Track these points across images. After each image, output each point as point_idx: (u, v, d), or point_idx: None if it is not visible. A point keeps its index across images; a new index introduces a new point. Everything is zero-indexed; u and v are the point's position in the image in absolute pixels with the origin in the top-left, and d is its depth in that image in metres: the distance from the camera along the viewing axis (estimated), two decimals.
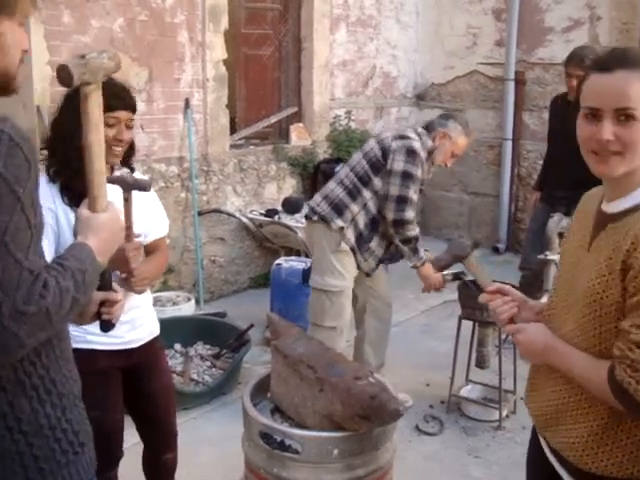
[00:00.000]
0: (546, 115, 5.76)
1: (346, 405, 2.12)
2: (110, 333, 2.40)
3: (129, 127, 2.51)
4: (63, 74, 1.62)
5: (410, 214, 3.91)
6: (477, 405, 4.24)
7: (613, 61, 1.64)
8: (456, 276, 3.88)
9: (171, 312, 5.11)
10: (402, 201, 3.88)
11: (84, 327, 2.45)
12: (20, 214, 1.37)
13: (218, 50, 5.82)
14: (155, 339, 2.78)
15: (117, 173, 2.56)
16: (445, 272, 4.03)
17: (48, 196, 2.42)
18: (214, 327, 4.84)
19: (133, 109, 2.53)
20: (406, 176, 3.87)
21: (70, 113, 2.34)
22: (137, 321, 2.66)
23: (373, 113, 7.62)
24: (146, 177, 2.38)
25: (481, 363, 4.21)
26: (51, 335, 1.49)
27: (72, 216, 2.44)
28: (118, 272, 2.44)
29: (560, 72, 6.03)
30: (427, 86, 8.14)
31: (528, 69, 7.39)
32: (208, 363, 4.59)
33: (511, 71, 7.37)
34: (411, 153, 3.89)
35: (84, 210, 1.67)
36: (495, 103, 7.59)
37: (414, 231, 3.96)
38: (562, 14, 7.10)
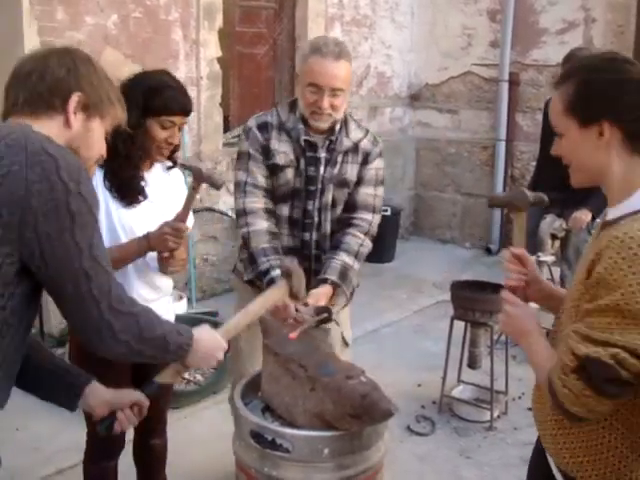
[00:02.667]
0: (539, 116, 5.78)
1: (337, 404, 2.11)
2: None
3: (180, 130, 2.58)
4: None
5: (240, 203, 2.91)
6: (469, 406, 4.24)
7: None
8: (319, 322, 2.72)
9: None
10: (234, 187, 2.97)
11: None
12: (98, 231, 1.62)
13: (212, 48, 5.81)
14: None
15: (158, 166, 2.66)
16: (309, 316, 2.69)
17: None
18: None
19: (189, 113, 2.59)
20: (237, 157, 3.02)
21: (130, 105, 2.32)
22: (156, 311, 2.67)
23: (367, 113, 7.61)
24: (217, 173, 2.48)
25: (473, 364, 4.21)
26: (137, 350, 1.71)
27: (111, 203, 2.51)
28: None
29: (554, 74, 6.04)
30: (421, 86, 8.15)
31: (522, 70, 7.40)
32: (199, 368, 4.57)
33: (505, 72, 7.38)
34: (243, 133, 3.02)
35: (212, 333, 1.96)
36: (489, 104, 7.60)
37: (244, 228, 2.88)
38: (557, 16, 7.11)
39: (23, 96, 1.68)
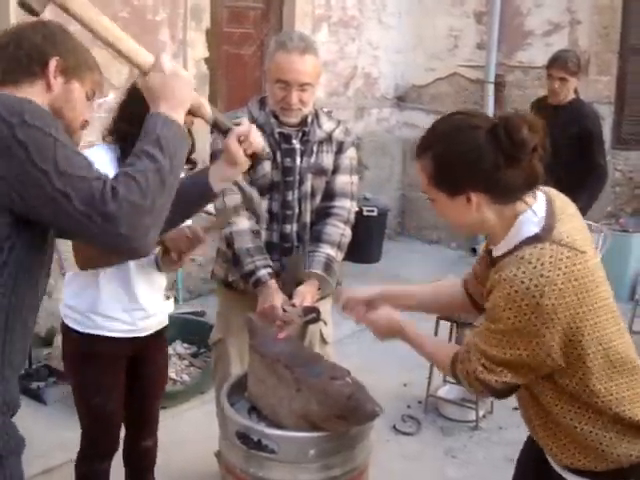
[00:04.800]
0: None
1: (323, 405, 2.12)
2: (122, 319, 2.47)
3: (189, 128, 2.58)
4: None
5: (219, 201, 2.88)
6: (454, 405, 4.26)
7: None
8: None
9: None
10: None
11: (95, 312, 2.51)
12: (63, 147, 1.51)
13: (200, 48, 5.80)
14: (164, 329, 2.85)
15: None
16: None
17: (106, 162, 2.51)
18: (193, 326, 4.83)
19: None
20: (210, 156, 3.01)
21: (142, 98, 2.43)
22: (151, 309, 2.69)
23: (354, 114, 7.62)
24: None
25: None
26: (160, 205, 1.55)
27: None
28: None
29: (540, 75, 6.09)
30: (408, 87, 8.17)
31: (508, 72, 7.44)
32: (186, 362, 4.58)
33: (491, 74, 7.41)
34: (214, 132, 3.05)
35: (140, 81, 1.75)
36: (475, 105, 7.62)
37: (227, 228, 2.87)
38: (542, 18, 7.15)
39: (1, 67, 1.71)
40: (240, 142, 1.88)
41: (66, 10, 1.62)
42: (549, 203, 1.83)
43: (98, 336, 2.59)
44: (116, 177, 1.54)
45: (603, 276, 1.83)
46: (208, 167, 1.97)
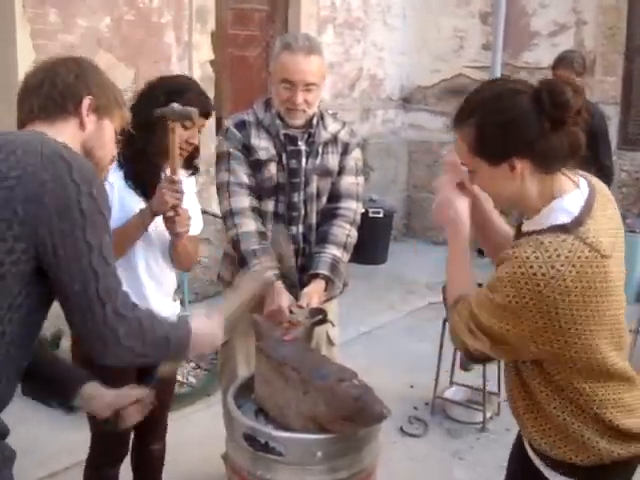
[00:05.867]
0: None
1: (330, 407, 2.12)
2: None
3: (199, 131, 2.63)
4: None
5: (225, 204, 2.88)
6: (461, 407, 4.25)
7: None
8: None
9: None
10: (218, 189, 2.93)
11: None
12: (109, 234, 1.65)
13: (205, 50, 5.81)
14: None
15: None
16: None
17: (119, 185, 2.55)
18: None
19: (209, 115, 2.67)
20: (216, 158, 2.97)
21: (151, 104, 2.49)
22: (160, 313, 2.68)
23: (359, 115, 7.63)
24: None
25: (465, 365, 4.22)
26: (141, 354, 1.72)
27: (134, 202, 2.54)
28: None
29: (546, 76, 6.06)
30: (413, 89, 8.16)
31: (514, 73, 7.41)
32: (192, 364, 4.58)
33: (497, 74, 7.36)
34: (220, 134, 3.07)
35: (208, 322, 1.95)
36: None
37: (233, 230, 2.85)
38: (548, 18, 7.15)
39: (37, 104, 1.78)
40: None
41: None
42: (591, 196, 1.78)
43: None
44: (136, 304, 1.72)
45: (620, 286, 1.79)
46: (82, 380, 2.00)
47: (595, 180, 1.86)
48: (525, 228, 1.82)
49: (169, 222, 2.52)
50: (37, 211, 1.55)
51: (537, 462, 1.91)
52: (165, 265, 2.70)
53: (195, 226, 2.70)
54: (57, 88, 1.78)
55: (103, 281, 1.60)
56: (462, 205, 1.94)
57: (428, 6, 7.90)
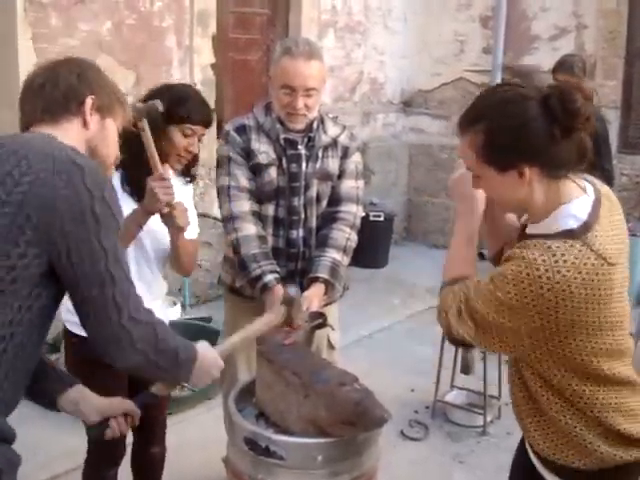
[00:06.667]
0: None
1: (331, 411, 2.12)
2: None
3: (200, 140, 2.66)
4: None
5: (225, 208, 2.89)
6: (462, 411, 4.25)
7: None
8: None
9: None
10: (218, 192, 2.95)
11: None
12: (118, 237, 1.66)
13: (206, 54, 5.82)
14: None
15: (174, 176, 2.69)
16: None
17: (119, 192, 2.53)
18: (200, 332, 4.82)
19: (210, 124, 2.69)
20: (216, 162, 2.98)
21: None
22: None
23: (360, 119, 7.63)
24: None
25: (466, 369, 4.21)
26: (153, 361, 1.74)
27: (128, 203, 2.51)
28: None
29: (547, 80, 6.07)
30: (414, 92, 8.17)
31: (514, 76, 7.42)
32: (193, 384, 4.56)
33: (497, 78, 7.39)
34: (221, 138, 3.05)
35: (211, 350, 1.99)
36: None
37: (233, 234, 2.84)
38: (548, 22, 7.15)
39: (41, 105, 1.80)
40: None
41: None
42: (597, 201, 1.77)
43: None
44: (151, 310, 1.75)
45: (623, 293, 1.79)
46: (71, 382, 2.00)
47: (601, 184, 1.86)
48: (531, 231, 1.81)
49: (167, 218, 2.53)
50: (50, 217, 1.55)
51: (539, 467, 1.91)
52: (157, 270, 2.72)
53: (192, 231, 2.71)
54: (59, 89, 1.80)
55: (119, 286, 1.62)
56: (473, 192, 1.93)
57: (429, 10, 7.91)
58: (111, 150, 1.90)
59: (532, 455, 1.94)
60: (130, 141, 2.48)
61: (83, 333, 2.58)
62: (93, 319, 1.65)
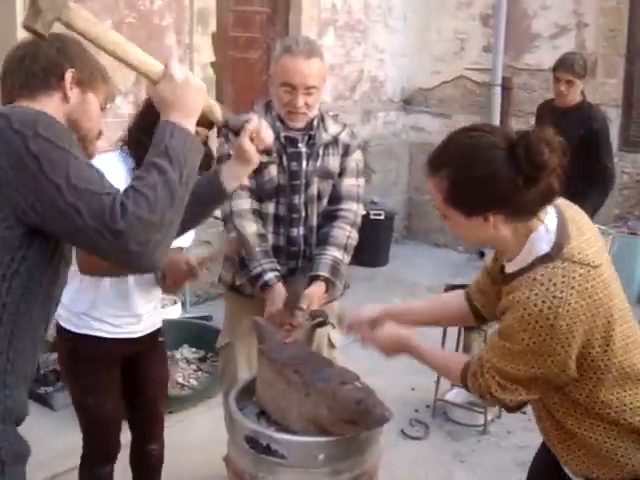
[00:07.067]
0: (532, 120, 5.79)
1: (332, 410, 2.12)
2: (114, 323, 2.61)
3: (205, 142, 2.59)
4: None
5: (225, 206, 2.86)
6: (462, 409, 4.25)
7: None
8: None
9: None
10: None
11: (88, 314, 2.54)
12: (75, 161, 1.52)
13: (206, 53, 5.81)
14: (157, 331, 2.85)
15: None
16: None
17: (121, 172, 2.55)
18: (200, 330, 4.83)
19: (212, 126, 2.63)
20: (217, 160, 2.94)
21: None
22: (145, 315, 2.71)
23: (360, 117, 7.62)
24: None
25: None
26: (189, 214, 1.64)
27: None
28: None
29: (547, 78, 6.06)
30: (414, 91, 8.16)
31: (515, 75, 7.43)
32: (194, 366, 4.58)
33: (498, 77, 7.40)
34: (221, 136, 3.04)
35: (150, 91, 1.75)
36: (482, 108, 7.62)
37: (233, 232, 2.87)
38: (549, 20, 7.15)
39: (19, 80, 1.76)
40: (251, 139, 1.89)
41: (71, 28, 1.60)
42: (560, 217, 1.80)
43: (90, 336, 2.61)
44: (125, 192, 1.53)
45: (618, 286, 1.80)
46: (219, 167, 1.99)
47: (563, 202, 1.87)
48: (510, 269, 1.83)
49: (163, 283, 2.62)
50: None
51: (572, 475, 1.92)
52: (154, 275, 2.72)
53: (186, 239, 2.75)
54: (39, 63, 1.76)
55: (87, 211, 1.48)
56: (393, 330, 2.16)
57: (429, 8, 7.90)
58: (94, 123, 1.85)
59: (567, 470, 1.94)
60: (144, 143, 2.49)
61: (74, 329, 2.62)
62: (90, 249, 1.56)
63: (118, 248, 1.50)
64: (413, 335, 2.12)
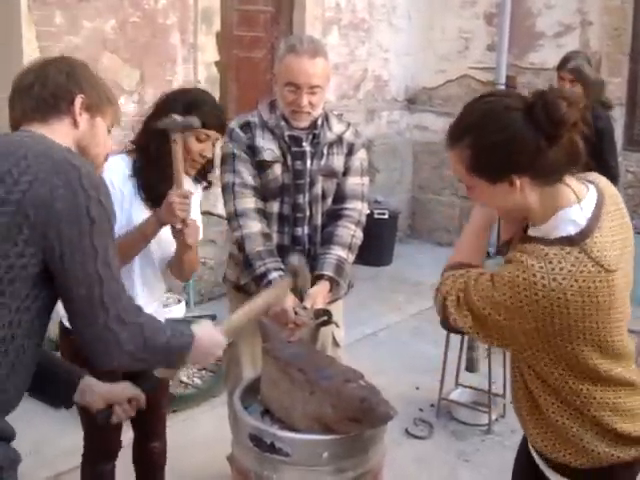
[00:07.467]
0: None
1: (336, 408, 2.12)
2: None
3: (214, 145, 2.65)
4: None
5: (230, 205, 2.89)
6: (467, 409, 4.25)
7: None
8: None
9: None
10: (222, 190, 2.93)
11: None
12: (113, 241, 1.68)
13: (210, 52, 5.82)
14: None
15: (189, 182, 2.67)
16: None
17: (122, 174, 2.55)
18: None
19: (224, 130, 2.71)
20: (221, 159, 2.97)
21: (165, 114, 2.49)
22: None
23: (364, 116, 7.62)
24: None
25: (471, 367, 4.21)
26: (140, 359, 1.74)
27: (145, 213, 2.54)
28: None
29: (551, 77, 6.05)
30: (418, 90, 8.16)
31: (519, 74, 7.41)
32: (198, 365, 4.57)
33: (502, 75, 7.39)
34: (226, 135, 2.92)
35: (212, 330, 1.99)
36: None
37: (238, 231, 2.85)
38: (553, 19, 7.13)
39: (30, 105, 1.80)
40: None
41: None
42: (599, 206, 1.75)
43: None
44: (141, 309, 1.76)
45: (625, 296, 1.77)
46: (80, 375, 2.05)
47: (605, 184, 1.84)
48: (532, 233, 1.80)
49: (178, 234, 2.53)
50: (47, 216, 1.57)
51: (540, 463, 1.92)
52: (159, 274, 2.73)
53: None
54: (48, 89, 1.80)
55: (107, 287, 1.63)
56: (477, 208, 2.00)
57: (433, 7, 7.89)
58: (101, 149, 1.90)
59: (533, 452, 1.94)
60: (148, 148, 2.51)
61: None
62: (81, 319, 1.66)
63: (110, 330, 1.65)
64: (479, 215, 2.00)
